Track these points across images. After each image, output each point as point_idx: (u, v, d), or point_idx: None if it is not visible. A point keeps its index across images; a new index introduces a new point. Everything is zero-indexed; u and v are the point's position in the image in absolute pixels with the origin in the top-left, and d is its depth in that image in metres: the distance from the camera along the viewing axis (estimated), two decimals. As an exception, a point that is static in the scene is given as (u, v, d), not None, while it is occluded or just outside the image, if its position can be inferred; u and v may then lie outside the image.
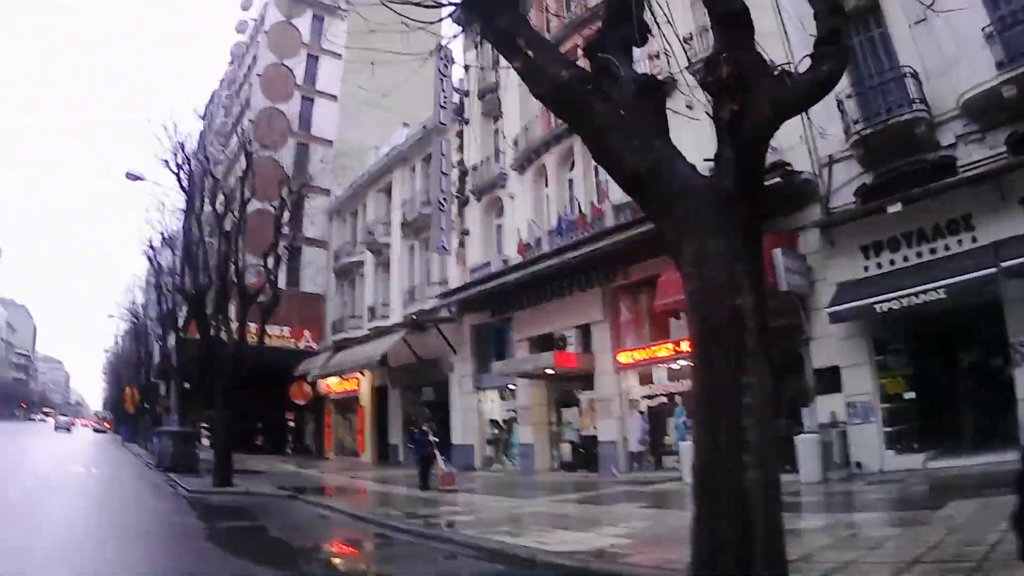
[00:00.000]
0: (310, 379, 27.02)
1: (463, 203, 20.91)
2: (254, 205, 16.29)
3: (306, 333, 29.36)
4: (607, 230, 14.19)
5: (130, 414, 45.94)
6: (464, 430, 20.15)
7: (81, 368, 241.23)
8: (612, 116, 3.45)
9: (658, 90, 3.62)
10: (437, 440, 14.81)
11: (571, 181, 17.59)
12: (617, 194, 15.26)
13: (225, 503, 12.25)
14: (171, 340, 25.68)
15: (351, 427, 28.28)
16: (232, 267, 15.30)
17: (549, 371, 16.46)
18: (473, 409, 20.14)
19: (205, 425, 36.46)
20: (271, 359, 26.34)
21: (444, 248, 19.32)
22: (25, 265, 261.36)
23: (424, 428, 14.80)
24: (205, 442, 24.61)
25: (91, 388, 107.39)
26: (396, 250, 24.50)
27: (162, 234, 21.52)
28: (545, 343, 17.39)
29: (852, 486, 9.97)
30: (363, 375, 25.79)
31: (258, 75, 32.16)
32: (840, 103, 10.80)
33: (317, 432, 31.20)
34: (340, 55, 33.99)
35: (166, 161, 15.78)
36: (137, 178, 18.00)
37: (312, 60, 34.34)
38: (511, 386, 18.64)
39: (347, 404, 28.55)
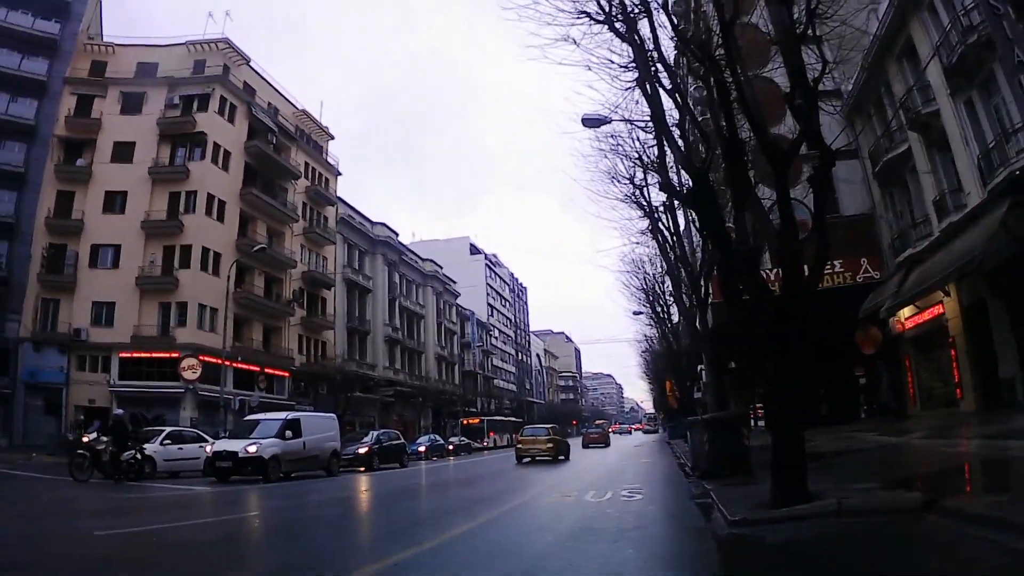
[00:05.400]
0: (882, 314, 23.41)
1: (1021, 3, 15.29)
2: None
3: (863, 262, 25.78)
4: None
5: (674, 410, 48.15)
6: None
7: (632, 377, 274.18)
8: None
9: None
10: None
11: None
12: None
13: (797, 551, 6.77)
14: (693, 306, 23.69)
15: (938, 368, 23.69)
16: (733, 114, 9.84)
17: None
18: None
19: (759, 406, 35.05)
20: (825, 303, 23.75)
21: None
22: (548, 289, 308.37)
23: None
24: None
25: (644, 394, 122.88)
26: (948, 113, 19.59)
27: (641, 159, 18.57)
28: None
29: None
30: (947, 295, 21.15)
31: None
32: None
33: (894, 384, 27.15)
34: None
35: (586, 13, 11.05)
36: (599, 122, 15.64)
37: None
38: None
39: (929, 339, 24.11)
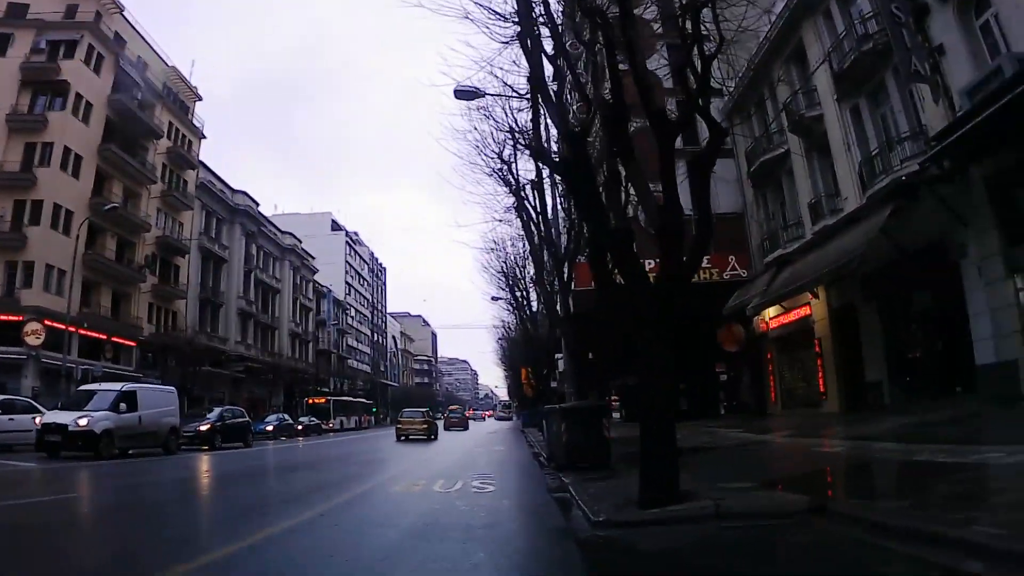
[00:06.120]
0: (749, 312, 23.95)
1: (920, 13, 15.71)
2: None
3: (731, 260, 26.34)
4: None
5: (529, 398, 49.53)
6: (997, 340, 14.77)
7: (488, 364, 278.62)
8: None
9: None
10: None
11: None
12: None
13: (676, 560, 5.94)
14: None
15: (802, 369, 24.66)
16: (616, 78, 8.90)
17: None
18: (1009, 306, 14.64)
19: (615, 398, 35.90)
20: (690, 298, 23.59)
21: (919, 73, 14.54)
22: (409, 271, 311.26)
23: None
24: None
25: (500, 381, 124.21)
26: (832, 118, 20.09)
27: (512, 131, 16.78)
28: None
29: None
30: (815, 297, 21.91)
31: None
32: None
33: (755, 383, 28.25)
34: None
35: None
36: (472, 95, 14.54)
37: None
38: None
39: (794, 340, 25.00)
